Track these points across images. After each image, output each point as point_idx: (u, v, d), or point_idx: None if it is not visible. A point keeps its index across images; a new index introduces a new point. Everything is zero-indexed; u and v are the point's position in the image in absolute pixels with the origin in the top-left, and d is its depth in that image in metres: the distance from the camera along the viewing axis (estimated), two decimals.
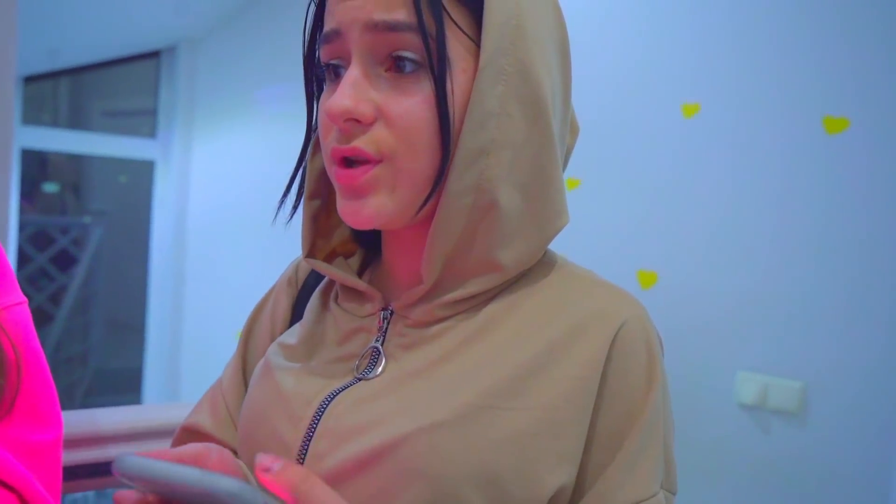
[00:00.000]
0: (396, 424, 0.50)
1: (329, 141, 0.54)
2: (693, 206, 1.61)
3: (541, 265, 0.59)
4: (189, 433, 0.68)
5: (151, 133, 3.30)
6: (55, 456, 0.60)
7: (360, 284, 0.60)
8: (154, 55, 3.24)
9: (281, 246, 2.80)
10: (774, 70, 1.51)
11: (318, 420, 0.54)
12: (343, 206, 0.55)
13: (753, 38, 1.54)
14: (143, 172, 3.33)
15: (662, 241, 1.65)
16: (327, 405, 0.54)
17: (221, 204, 3.02)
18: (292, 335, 0.63)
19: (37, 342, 0.62)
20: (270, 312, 0.70)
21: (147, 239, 3.28)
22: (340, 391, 0.55)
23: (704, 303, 1.58)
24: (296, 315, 0.69)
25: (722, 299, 1.56)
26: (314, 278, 0.70)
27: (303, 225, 0.62)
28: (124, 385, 3.71)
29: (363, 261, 0.67)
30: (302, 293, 0.70)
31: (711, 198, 1.59)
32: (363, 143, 0.52)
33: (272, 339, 0.69)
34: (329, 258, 0.65)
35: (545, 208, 0.55)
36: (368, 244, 0.67)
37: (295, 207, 0.64)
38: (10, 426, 0.57)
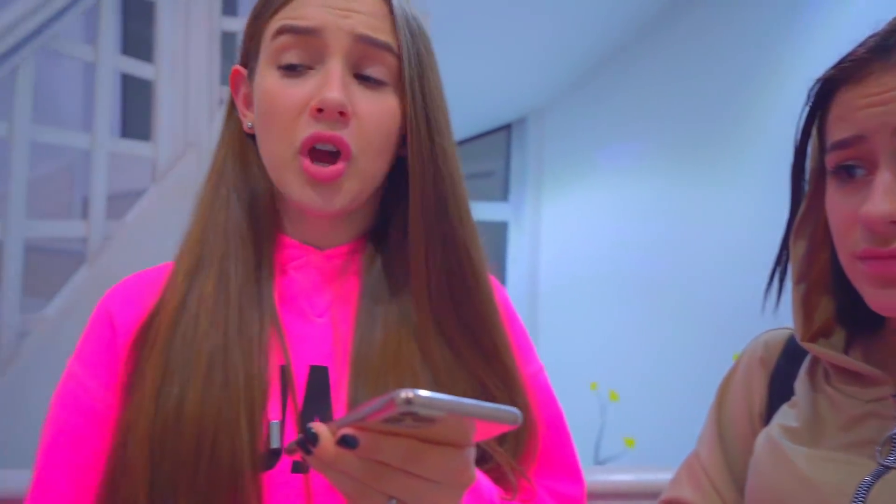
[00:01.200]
0: None
1: (853, 241, 0.57)
2: None
3: None
4: None
5: (503, 196, 3.63)
6: None
7: (869, 369, 0.60)
8: (505, 128, 3.59)
9: (631, 300, 2.84)
10: None
11: None
12: (877, 297, 0.56)
13: None
14: (496, 233, 3.66)
15: None
16: (864, 495, 0.55)
17: (572, 259, 3.18)
18: (789, 417, 0.65)
19: (557, 404, 0.73)
20: (743, 390, 0.73)
21: None
22: (873, 480, 0.56)
23: None
24: (772, 394, 0.71)
25: None
26: (784, 358, 0.72)
27: (794, 310, 0.65)
28: None
29: (846, 340, 0.67)
30: (776, 373, 0.72)
31: None
32: None
33: (749, 416, 0.71)
34: (812, 339, 0.66)
35: None
36: (853, 324, 0.67)
37: (780, 292, 0.67)
38: (543, 478, 0.68)
